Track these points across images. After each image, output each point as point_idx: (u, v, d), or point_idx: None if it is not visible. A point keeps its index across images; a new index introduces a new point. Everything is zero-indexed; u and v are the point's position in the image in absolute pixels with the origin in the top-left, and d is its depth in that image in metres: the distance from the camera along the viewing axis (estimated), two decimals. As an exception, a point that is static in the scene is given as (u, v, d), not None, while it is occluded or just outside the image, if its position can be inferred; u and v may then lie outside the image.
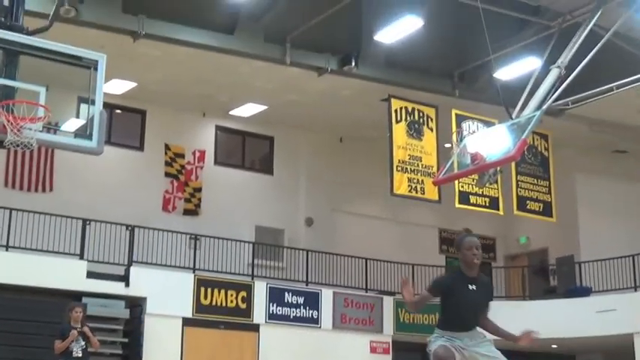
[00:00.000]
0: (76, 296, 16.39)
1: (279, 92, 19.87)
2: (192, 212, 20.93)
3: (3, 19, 9.59)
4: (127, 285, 17.48)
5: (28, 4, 10.40)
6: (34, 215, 16.88)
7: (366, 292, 20.72)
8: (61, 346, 11.57)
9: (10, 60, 9.44)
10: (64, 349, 11.60)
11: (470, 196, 17.46)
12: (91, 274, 17.01)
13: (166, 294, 17.67)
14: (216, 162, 21.75)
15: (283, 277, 20.28)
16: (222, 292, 18.51)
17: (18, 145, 8.82)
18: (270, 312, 19.01)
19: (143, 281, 17.58)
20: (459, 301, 6.24)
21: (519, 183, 18.01)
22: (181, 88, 19.78)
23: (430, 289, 6.37)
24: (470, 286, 6.25)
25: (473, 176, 15.89)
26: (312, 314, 19.50)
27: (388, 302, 20.60)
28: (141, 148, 20.85)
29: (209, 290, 18.37)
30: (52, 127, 9.85)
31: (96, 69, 9.41)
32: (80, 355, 11.69)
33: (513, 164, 17.30)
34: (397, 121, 17.81)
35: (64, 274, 16.68)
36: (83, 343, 11.73)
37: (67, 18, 15.13)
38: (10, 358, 15.35)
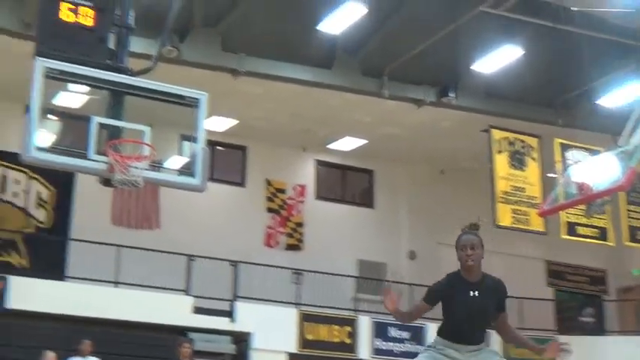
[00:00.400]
0: (182, 331, 16.61)
1: (378, 125, 19.84)
2: (294, 247, 21.00)
3: (109, 62, 9.88)
4: (233, 320, 17.61)
5: (132, 46, 10.70)
6: (141, 252, 17.22)
7: (472, 326, 20.26)
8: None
9: (116, 101, 9.71)
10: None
11: (577, 227, 17.00)
12: (196, 310, 17.20)
13: (271, 329, 17.70)
14: (317, 196, 21.81)
15: (387, 312, 19.99)
16: (326, 327, 18.45)
17: (125, 184, 9.02)
18: (375, 347, 18.81)
19: (248, 316, 17.67)
20: (458, 311, 5.39)
21: (630, 213, 17.45)
22: (281, 124, 19.97)
23: (425, 297, 5.54)
24: (471, 293, 5.36)
25: (580, 206, 15.46)
26: (418, 349, 19.15)
27: (496, 336, 20.04)
28: (242, 184, 21.11)
29: (313, 325, 18.33)
30: (156, 165, 10.04)
31: (198, 107, 9.58)
32: (189, 388, 11.79)
33: (623, 193, 16.77)
34: (498, 152, 17.55)
35: (171, 309, 16.92)
36: (193, 377, 11.82)
37: (169, 58, 15.50)
38: (119, 393, 15.61)
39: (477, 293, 5.38)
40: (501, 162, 17.51)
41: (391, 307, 5.62)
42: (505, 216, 17.04)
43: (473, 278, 5.41)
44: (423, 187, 22.36)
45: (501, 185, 17.21)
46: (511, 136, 17.81)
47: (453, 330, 5.47)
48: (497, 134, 17.68)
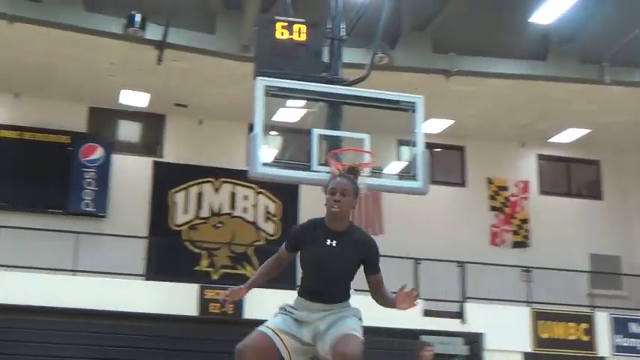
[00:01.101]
0: (414, 335, 16.70)
1: (601, 114, 18.97)
2: (521, 244, 20.56)
3: (325, 74, 10.14)
4: (463, 321, 17.48)
5: (344, 57, 10.92)
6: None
7: None
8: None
9: (333, 112, 9.94)
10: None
11: None
12: (427, 313, 17.22)
13: (503, 329, 17.38)
14: (540, 191, 21.24)
15: (626, 307, 19.12)
16: (562, 324, 17.87)
17: (348, 192, 9.18)
18: (616, 344, 17.98)
19: (479, 317, 17.47)
20: (310, 260, 4.71)
21: None
22: (498, 120, 19.62)
23: (285, 242, 4.86)
24: (328, 242, 4.70)
25: None
26: (663, 345, 18.19)
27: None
28: (463, 184, 20.95)
29: (547, 323, 17.82)
30: (377, 172, 10.15)
31: (414, 111, 9.60)
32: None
33: None
34: None
35: (401, 313, 16.92)
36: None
37: (380, 65, 15.64)
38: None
39: (334, 243, 4.71)
40: None
41: (241, 294, 4.85)
42: None
43: (336, 227, 4.74)
44: (656, 174, 21.21)
45: None
46: None
47: (307, 284, 4.78)
48: None
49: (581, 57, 17.11)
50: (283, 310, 4.80)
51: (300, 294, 4.82)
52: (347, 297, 4.86)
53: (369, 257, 4.86)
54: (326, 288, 4.77)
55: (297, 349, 4.64)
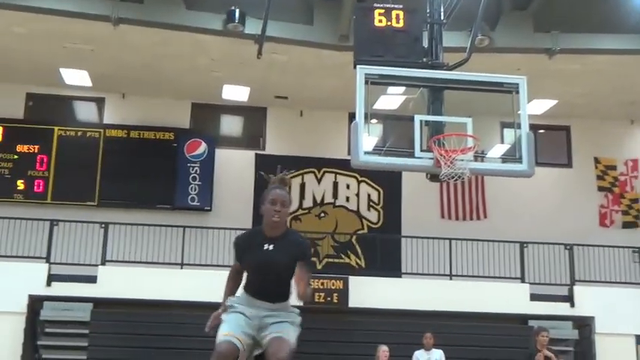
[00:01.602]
0: (521, 320, 16.50)
1: None
2: (632, 225, 19.99)
3: (425, 60, 10.07)
4: (572, 305, 17.14)
5: (444, 41, 10.81)
6: (472, 243, 17.33)
7: None
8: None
9: (435, 97, 9.87)
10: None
11: None
12: (533, 297, 16.96)
13: (615, 312, 16.97)
14: (653, 170, 20.64)
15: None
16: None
17: (452, 177, 9.13)
18: None
19: (589, 300, 17.10)
20: (251, 264, 5.17)
21: None
22: (604, 98, 19.08)
23: (234, 256, 5.30)
24: (265, 246, 5.13)
25: None
26: None
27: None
28: (569, 164, 20.49)
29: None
30: (479, 156, 10.04)
31: (517, 92, 9.46)
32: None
33: None
34: None
35: (507, 298, 16.84)
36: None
37: (480, 47, 15.42)
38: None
39: (271, 247, 5.14)
40: None
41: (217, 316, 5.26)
42: None
43: (273, 234, 5.17)
44: None
45: None
46: None
47: (252, 285, 5.21)
48: None
49: (690, 29, 16.49)
50: (234, 308, 5.21)
51: (245, 289, 5.25)
52: (288, 296, 5.21)
53: (302, 256, 5.22)
54: (268, 287, 5.18)
55: (249, 344, 5.08)
